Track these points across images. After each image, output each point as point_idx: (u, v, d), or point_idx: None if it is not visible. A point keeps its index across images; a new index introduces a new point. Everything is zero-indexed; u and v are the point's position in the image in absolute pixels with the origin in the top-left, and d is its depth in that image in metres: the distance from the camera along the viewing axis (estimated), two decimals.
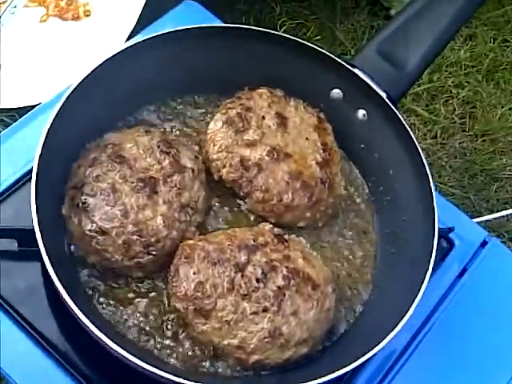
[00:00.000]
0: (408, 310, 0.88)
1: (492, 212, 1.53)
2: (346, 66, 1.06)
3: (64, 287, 0.80)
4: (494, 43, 1.87)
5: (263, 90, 1.08)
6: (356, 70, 1.06)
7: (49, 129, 0.91)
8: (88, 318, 0.79)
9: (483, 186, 1.60)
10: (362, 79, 1.05)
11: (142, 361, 0.77)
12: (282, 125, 1.04)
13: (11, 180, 1.04)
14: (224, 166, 0.99)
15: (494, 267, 1.13)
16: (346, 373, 0.85)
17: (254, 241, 0.91)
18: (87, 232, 0.89)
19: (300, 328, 0.87)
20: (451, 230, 1.10)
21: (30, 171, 0.89)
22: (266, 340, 0.85)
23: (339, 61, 1.07)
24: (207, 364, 0.88)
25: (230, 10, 1.65)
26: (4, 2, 1.42)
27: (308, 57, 1.08)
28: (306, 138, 1.04)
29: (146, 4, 1.36)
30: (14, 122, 1.14)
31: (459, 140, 1.64)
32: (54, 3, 1.41)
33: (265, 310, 0.86)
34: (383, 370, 1.00)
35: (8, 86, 1.32)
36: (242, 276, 0.87)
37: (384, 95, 1.05)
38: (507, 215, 1.54)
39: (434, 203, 0.97)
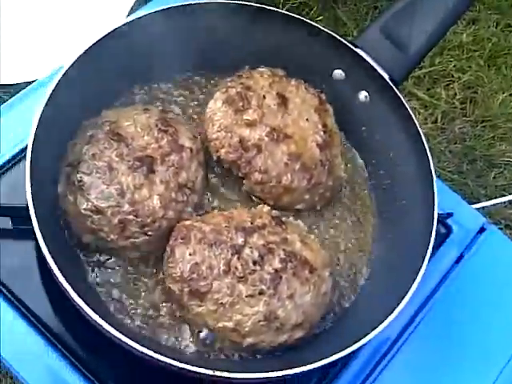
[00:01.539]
0: (405, 295, 0.87)
1: (490, 198, 1.52)
2: (349, 46, 1.05)
3: (58, 266, 0.79)
4: (496, 28, 1.85)
5: (264, 70, 1.06)
6: (359, 51, 1.05)
7: (44, 106, 0.89)
8: (81, 298, 0.78)
9: (482, 172, 1.59)
10: (364, 60, 1.04)
11: (139, 344, 0.76)
12: (283, 105, 1.02)
13: (6, 157, 1.02)
14: (223, 146, 0.98)
15: (491, 254, 1.13)
16: (343, 356, 0.84)
17: (252, 223, 0.90)
18: (82, 211, 0.87)
19: (296, 312, 0.86)
20: (450, 215, 1.10)
21: (25, 149, 0.88)
22: (262, 323, 0.84)
23: (342, 40, 1.06)
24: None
25: None
26: None
27: (310, 36, 1.07)
28: (307, 119, 1.03)
29: None
30: (10, 97, 1.12)
31: (459, 125, 1.63)
32: None
33: (261, 292, 0.85)
34: (379, 354, 0.99)
35: (4, 62, 1.30)
36: (239, 258, 0.86)
37: (387, 77, 1.04)
38: (505, 202, 1.53)
39: (435, 188, 0.97)
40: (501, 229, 1.48)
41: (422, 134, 1.01)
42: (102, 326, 0.77)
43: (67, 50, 1.25)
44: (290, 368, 0.79)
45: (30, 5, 1.38)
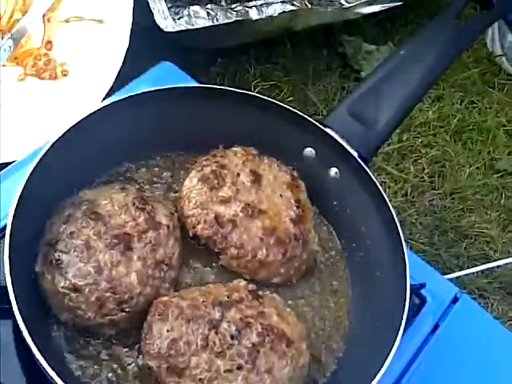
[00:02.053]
0: (381, 367, 0.87)
1: (462, 268, 1.55)
2: (318, 125, 1.09)
3: (37, 346, 0.79)
4: (461, 105, 1.93)
5: (237, 149, 1.10)
6: (328, 130, 1.08)
7: (23, 186, 0.91)
8: (61, 379, 0.77)
9: (453, 243, 1.62)
10: (333, 138, 1.08)
11: None
12: (257, 182, 1.05)
13: None
14: (199, 223, 1.00)
15: (465, 323, 1.14)
16: None
17: (229, 297, 0.91)
18: (60, 289, 0.88)
19: None
20: (423, 286, 1.11)
21: (3, 229, 0.89)
22: None
23: (311, 120, 1.10)
24: None
25: (205, 71, 1.68)
26: None
27: (281, 117, 1.11)
28: (280, 195, 1.06)
29: (123, 64, 1.38)
30: None
31: (429, 198, 1.67)
32: (31, 63, 1.42)
33: (239, 367, 0.85)
34: None
35: None
36: (216, 333, 0.86)
37: (355, 154, 1.07)
38: (477, 272, 1.56)
39: (406, 259, 0.98)
40: (474, 298, 1.50)
41: (390, 206, 1.03)
42: None
43: (44, 132, 1.28)
44: None
45: (11, 88, 1.41)
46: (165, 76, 1.31)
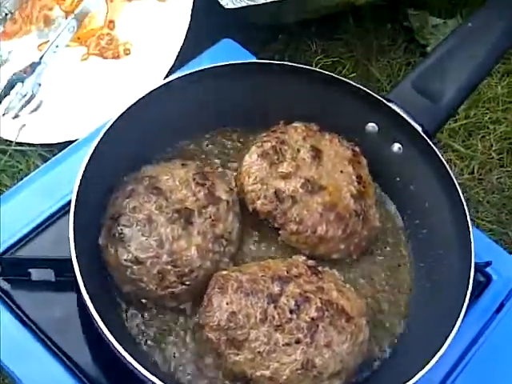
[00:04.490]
0: (442, 346, 0.86)
1: None
2: (381, 99, 1.07)
3: (101, 317, 0.81)
4: None
5: (298, 125, 1.09)
6: (391, 104, 1.07)
7: (87, 162, 0.93)
8: (125, 349, 0.79)
9: None
10: (397, 113, 1.06)
11: None
12: (317, 157, 1.04)
13: (49, 212, 1.07)
14: (259, 198, 1.00)
15: None
16: None
17: (288, 272, 0.91)
18: (123, 261, 0.90)
19: (333, 360, 0.86)
20: (488, 264, 1.08)
21: (68, 204, 0.92)
22: (299, 372, 0.84)
23: (374, 95, 1.08)
24: None
25: (266, 48, 1.67)
26: (47, 42, 1.47)
27: (343, 92, 1.10)
28: (341, 171, 1.05)
29: (184, 42, 1.39)
30: (53, 156, 1.18)
31: (497, 175, 1.61)
32: (94, 42, 1.45)
33: (298, 341, 0.85)
34: None
35: (48, 122, 1.36)
36: (275, 307, 0.87)
37: (419, 129, 1.05)
38: None
39: (471, 236, 0.96)
40: None
41: (456, 183, 1.01)
42: (147, 377, 0.78)
43: (107, 110, 1.31)
44: None
45: (75, 67, 1.44)
46: (226, 53, 1.31)
